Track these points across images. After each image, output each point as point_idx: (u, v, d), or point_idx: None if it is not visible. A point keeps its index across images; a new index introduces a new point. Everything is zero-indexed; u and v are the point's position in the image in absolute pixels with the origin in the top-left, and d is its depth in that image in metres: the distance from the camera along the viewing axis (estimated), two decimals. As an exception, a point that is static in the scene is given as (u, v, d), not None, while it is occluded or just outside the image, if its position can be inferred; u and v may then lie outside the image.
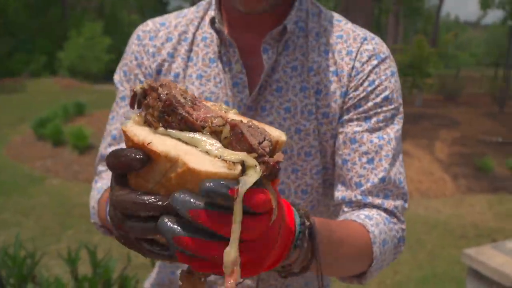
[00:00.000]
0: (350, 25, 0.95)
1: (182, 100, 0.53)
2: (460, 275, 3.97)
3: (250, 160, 0.48)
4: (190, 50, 0.96)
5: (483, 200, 6.10)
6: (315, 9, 0.97)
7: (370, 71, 0.89)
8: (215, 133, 0.52)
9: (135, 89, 0.56)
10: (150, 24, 1.01)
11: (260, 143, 0.51)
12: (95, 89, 16.96)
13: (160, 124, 0.53)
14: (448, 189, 6.76)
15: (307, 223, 0.63)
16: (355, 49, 0.91)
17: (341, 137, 0.91)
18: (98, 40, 21.41)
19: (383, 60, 0.91)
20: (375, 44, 0.92)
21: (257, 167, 0.48)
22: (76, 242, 4.26)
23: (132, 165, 0.48)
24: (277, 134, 0.55)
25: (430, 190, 6.69)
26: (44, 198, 5.76)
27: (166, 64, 0.97)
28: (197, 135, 0.51)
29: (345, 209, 0.91)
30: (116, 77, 1.03)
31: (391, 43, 17.18)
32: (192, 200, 0.45)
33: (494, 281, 2.56)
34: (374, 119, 0.89)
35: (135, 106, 0.56)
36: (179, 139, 0.51)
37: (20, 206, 5.41)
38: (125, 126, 0.54)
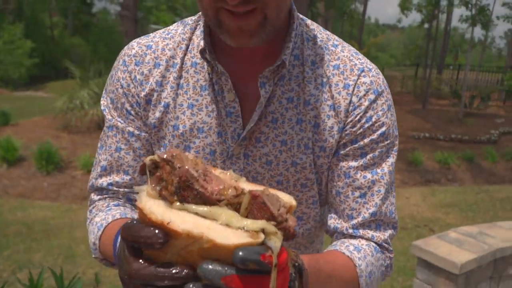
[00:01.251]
0: (347, 51, 0.91)
1: (196, 174, 0.54)
2: (406, 265, 4.23)
3: (270, 227, 0.52)
4: (179, 77, 0.92)
5: (417, 192, 6.53)
6: (310, 34, 0.92)
7: (368, 107, 0.87)
8: (231, 204, 0.54)
9: (144, 161, 0.57)
10: (135, 47, 0.95)
11: (278, 210, 0.54)
12: (17, 96, 15.88)
13: (175, 198, 0.54)
14: (385, 184, 7.18)
15: (297, 264, 0.65)
16: (352, 82, 0.88)
17: (336, 169, 0.91)
18: (19, 44, 20.05)
19: (380, 94, 0.88)
20: (372, 77, 0.89)
21: (278, 233, 0.52)
22: (14, 264, 3.98)
23: (152, 246, 0.51)
24: (287, 199, 0.58)
25: (368, 185, 7.04)
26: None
27: (155, 94, 0.92)
28: (214, 208, 0.53)
29: (337, 236, 0.94)
30: (103, 102, 0.98)
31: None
32: (222, 268, 0.49)
33: (442, 269, 2.77)
34: (370, 155, 0.89)
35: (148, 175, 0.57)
36: (197, 213, 0.53)
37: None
38: (140, 202, 0.55)
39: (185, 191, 0.54)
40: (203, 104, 0.90)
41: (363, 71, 0.89)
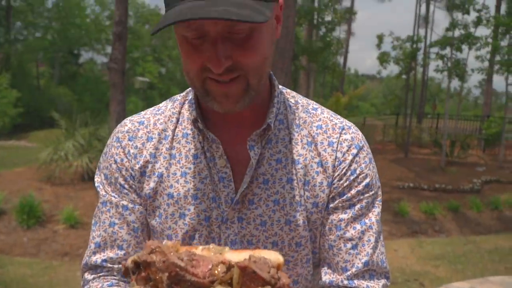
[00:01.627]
0: (326, 113, 1.00)
1: (183, 264, 0.54)
2: (397, 321, 4.14)
3: None
4: (171, 148, 0.97)
5: (405, 244, 6.51)
6: (291, 100, 1.01)
7: (352, 161, 0.94)
8: (224, 281, 0.54)
9: (126, 265, 0.57)
10: (128, 124, 1.01)
11: (268, 273, 0.55)
12: (0, 145, 15.65)
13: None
14: (372, 235, 7.14)
15: None
16: (335, 140, 0.96)
17: (326, 223, 0.96)
18: (5, 93, 20.04)
19: (361, 149, 0.96)
20: (352, 134, 0.97)
21: None
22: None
23: None
24: (274, 257, 0.59)
25: (356, 237, 7.00)
26: None
27: (149, 166, 0.96)
28: None
29: None
30: (97, 179, 1.02)
31: (304, 95, 18.24)
32: None
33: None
34: (357, 206, 0.94)
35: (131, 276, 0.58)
36: None
37: None
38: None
39: (177, 285, 0.54)
40: (196, 171, 0.94)
41: (343, 129, 0.97)
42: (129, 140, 0.98)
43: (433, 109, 22.58)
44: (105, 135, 9.01)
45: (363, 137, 1.01)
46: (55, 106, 19.83)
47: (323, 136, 0.96)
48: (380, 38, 14.79)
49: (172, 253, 0.56)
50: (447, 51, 12.30)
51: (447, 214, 7.98)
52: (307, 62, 14.94)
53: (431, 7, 19.45)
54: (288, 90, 1.04)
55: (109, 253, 0.97)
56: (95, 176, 1.03)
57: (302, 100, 1.02)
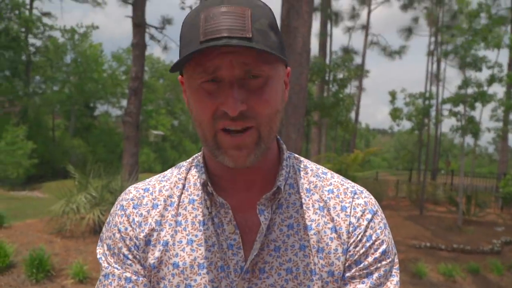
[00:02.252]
0: (336, 177, 0.98)
1: None
2: None
3: None
4: (177, 214, 0.93)
5: (425, 308, 6.22)
6: (300, 165, 0.99)
7: (367, 226, 0.91)
8: None
9: None
10: (133, 192, 0.97)
11: None
12: (12, 196, 15.73)
13: None
14: (389, 297, 6.85)
15: None
16: (348, 204, 0.92)
17: None
18: (20, 145, 20.46)
19: (375, 214, 0.93)
20: (365, 198, 0.94)
21: None
22: None
23: None
24: None
25: (372, 299, 6.72)
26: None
27: (155, 234, 0.92)
28: None
29: None
30: (99, 250, 0.97)
31: (316, 149, 18.34)
32: None
33: None
34: (375, 275, 0.89)
35: None
36: None
37: None
38: None
39: None
40: (203, 238, 0.90)
41: (355, 193, 0.95)
42: (133, 208, 0.95)
43: (447, 165, 22.40)
44: (117, 188, 9.02)
45: (376, 201, 0.98)
46: (69, 157, 20.16)
47: (335, 200, 0.93)
48: (393, 94, 15.01)
49: None
50: (460, 108, 12.38)
51: (467, 277, 7.67)
52: (319, 117, 15.12)
53: (442, 64, 19.87)
54: (297, 155, 1.03)
55: None
56: (97, 247, 0.97)
57: (311, 165, 1.01)
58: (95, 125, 34.65)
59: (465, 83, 12.10)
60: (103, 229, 0.99)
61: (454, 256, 8.67)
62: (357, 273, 0.89)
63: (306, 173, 0.97)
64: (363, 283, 0.88)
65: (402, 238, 9.80)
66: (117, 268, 0.92)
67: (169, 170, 1.03)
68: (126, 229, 0.93)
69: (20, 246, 7.25)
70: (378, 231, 0.91)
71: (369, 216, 0.92)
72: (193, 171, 0.97)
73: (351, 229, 0.91)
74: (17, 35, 27.98)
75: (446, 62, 19.59)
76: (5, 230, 8.52)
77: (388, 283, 0.90)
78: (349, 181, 0.98)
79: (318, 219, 0.91)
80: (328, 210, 0.92)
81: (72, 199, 8.65)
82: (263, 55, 0.79)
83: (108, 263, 0.93)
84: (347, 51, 20.99)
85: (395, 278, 0.92)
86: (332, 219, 0.91)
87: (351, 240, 0.90)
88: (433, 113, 16.09)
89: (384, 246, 0.91)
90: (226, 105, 0.79)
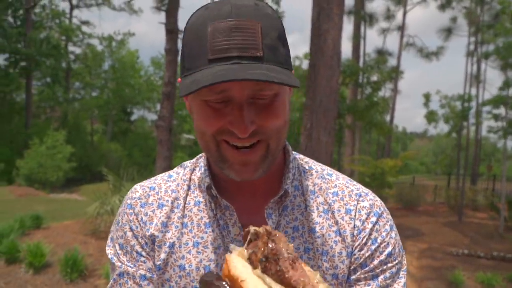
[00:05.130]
0: (341, 179, 0.96)
1: (286, 255, 0.60)
2: None
3: None
4: (183, 216, 0.93)
5: (461, 318, 5.97)
6: (305, 166, 0.98)
7: (372, 229, 0.89)
8: None
9: (249, 228, 0.63)
10: (139, 190, 0.97)
11: None
12: (51, 198, 16.33)
13: (260, 266, 0.60)
14: (424, 305, 6.62)
15: None
16: (353, 207, 0.91)
17: None
18: (60, 149, 21.24)
19: (380, 216, 0.91)
20: (370, 201, 0.92)
21: None
22: None
23: None
24: None
25: (406, 307, 6.51)
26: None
27: (160, 235, 0.92)
28: (273, 284, 0.57)
29: None
30: (110, 251, 0.96)
31: (349, 153, 18.05)
32: None
33: None
34: (381, 277, 0.88)
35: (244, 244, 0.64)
36: (270, 287, 0.58)
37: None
38: (229, 255, 0.62)
39: (269, 263, 0.59)
40: (208, 241, 0.90)
41: (360, 196, 0.93)
42: (141, 206, 0.95)
43: (488, 170, 21.54)
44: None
45: (382, 203, 0.95)
46: (106, 161, 20.74)
47: (340, 203, 0.92)
48: (427, 96, 14.60)
49: (287, 245, 0.61)
50: (501, 110, 11.88)
51: (507, 286, 7.30)
52: (352, 120, 14.88)
53: (483, 65, 19.14)
54: (302, 156, 1.01)
55: None
56: (107, 248, 0.96)
57: (316, 166, 0.99)
58: (132, 129, 35.54)
59: (507, 84, 11.62)
60: (112, 228, 0.98)
61: (494, 265, 8.29)
62: (362, 276, 0.88)
63: (311, 174, 0.96)
64: (368, 285, 0.88)
65: (439, 245, 9.47)
66: (130, 267, 0.91)
67: (175, 170, 1.02)
68: (137, 227, 0.93)
69: (56, 247, 7.49)
70: (384, 234, 0.90)
71: (374, 218, 0.90)
72: (198, 172, 0.97)
73: (355, 232, 0.89)
74: (57, 43, 29.16)
75: (486, 63, 18.87)
76: (43, 231, 8.82)
77: (395, 285, 0.88)
78: (354, 182, 0.97)
79: (323, 222, 0.90)
80: (333, 213, 0.91)
81: (107, 201, 8.87)
82: (277, 74, 0.74)
83: (121, 262, 0.92)
84: (381, 53, 20.58)
85: (402, 280, 0.90)
86: (337, 222, 0.90)
87: (356, 244, 0.89)
88: (472, 115, 15.49)
89: (389, 249, 0.89)
90: (235, 127, 0.77)
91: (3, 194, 16.73)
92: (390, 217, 0.94)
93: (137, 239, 0.92)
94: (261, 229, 0.63)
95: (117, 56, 34.45)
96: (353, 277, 0.89)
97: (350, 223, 0.90)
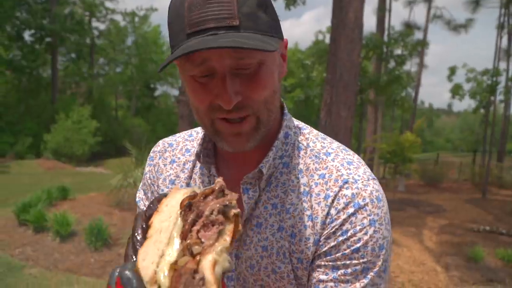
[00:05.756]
0: (338, 161, 0.89)
1: (207, 213, 0.59)
2: None
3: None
4: (189, 177, 0.98)
5: (479, 293, 5.96)
6: (303, 143, 0.94)
7: (345, 220, 0.82)
8: (188, 250, 0.57)
9: (218, 180, 0.64)
10: (160, 145, 1.07)
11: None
12: (78, 172, 16.82)
13: (181, 213, 0.61)
14: (441, 280, 6.62)
15: None
16: (332, 194, 0.85)
17: (309, 280, 0.87)
18: (85, 124, 21.70)
19: (361, 208, 0.82)
20: (356, 189, 0.84)
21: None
22: None
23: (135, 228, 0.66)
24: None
25: (423, 281, 6.53)
26: (21, 290, 5.41)
27: (165, 190, 1.00)
28: (176, 242, 0.58)
29: None
30: (138, 195, 1.08)
31: (371, 130, 17.82)
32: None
33: None
34: (341, 271, 0.82)
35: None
36: (172, 232, 0.60)
37: (-5, 300, 5.06)
38: (175, 188, 0.66)
39: (190, 212, 0.60)
40: None
41: (346, 182, 0.85)
42: (159, 159, 1.04)
43: (516, 147, 20.97)
44: (171, 164, 9.35)
45: (373, 194, 0.85)
46: (130, 136, 21.09)
47: (322, 187, 0.86)
48: (453, 70, 14.19)
49: (219, 206, 0.60)
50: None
51: (529, 263, 7.22)
52: (375, 96, 14.65)
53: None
54: (307, 131, 0.97)
55: None
56: (137, 193, 1.08)
57: (317, 143, 0.93)
58: (155, 105, 35.90)
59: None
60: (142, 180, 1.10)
61: (516, 241, 8.18)
62: (323, 263, 0.84)
63: (306, 152, 0.92)
64: (326, 274, 0.84)
65: (460, 221, 9.39)
66: None
67: (198, 129, 1.06)
68: (153, 177, 1.04)
69: (81, 217, 7.77)
70: (358, 228, 0.82)
71: (351, 210, 0.83)
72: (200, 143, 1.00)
73: (328, 220, 0.84)
74: (81, 19, 29.40)
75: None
76: (70, 202, 9.15)
77: (357, 284, 0.82)
78: (352, 166, 0.88)
79: (298, 204, 0.87)
80: (311, 196, 0.87)
81: (130, 174, 9.09)
82: (253, 41, 0.73)
83: (144, 206, 1.05)
84: (408, 26, 19.99)
85: (366, 281, 0.82)
86: (311, 207, 0.86)
87: (325, 232, 0.84)
88: (500, 90, 15.01)
89: (358, 245, 0.81)
90: (220, 99, 0.78)
91: (32, 167, 17.32)
92: (377, 210, 0.84)
93: (155, 187, 1.03)
94: (218, 184, 0.63)
95: (140, 32, 34.54)
96: (316, 263, 0.85)
97: (324, 210, 0.84)
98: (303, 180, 0.89)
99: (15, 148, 21.10)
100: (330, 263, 0.83)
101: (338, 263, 0.83)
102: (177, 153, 1.02)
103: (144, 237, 0.63)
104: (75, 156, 20.75)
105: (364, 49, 11.75)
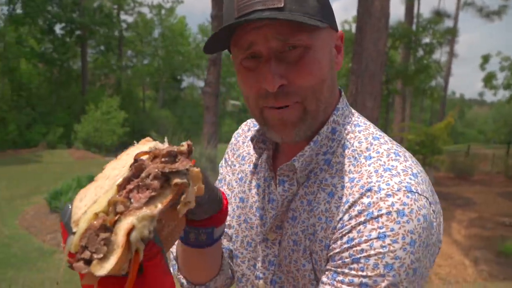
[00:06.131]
0: (374, 167, 0.81)
1: (144, 174, 0.57)
2: None
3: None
4: (257, 158, 1.02)
5: (508, 288, 5.81)
6: (350, 141, 0.88)
7: (353, 227, 0.77)
8: (113, 206, 0.55)
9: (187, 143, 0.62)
10: (247, 124, 1.14)
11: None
12: (107, 161, 16.90)
13: (130, 166, 0.59)
14: (469, 274, 6.48)
15: None
16: (352, 200, 0.80)
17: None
18: (114, 114, 22.14)
19: (373, 218, 0.75)
20: (375, 199, 0.76)
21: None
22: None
23: None
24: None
25: (450, 275, 6.41)
26: (52, 273, 5.61)
27: (237, 165, 1.08)
28: (109, 193, 0.57)
29: None
30: (222, 162, 1.16)
31: (398, 120, 17.49)
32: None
33: None
34: (339, 277, 0.77)
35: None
36: (115, 183, 0.58)
37: (29, 281, 5.26)
38: (148, 140, 0.67)
39: (134, 167, 0.58)
40: (254, 184, 1.00)
41: (369, 190, 0.78)
42: (238, 136, 1.13)
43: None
44: (196, 155, 9.44)
45: (395, 207, 0.75)
46: (156, 127, 21.40)
47: (346, 191, 0.82)
48: (486, 58, 13.72)
49: (154, 166, 0.57)
50: None
51: None
52: (402, 86, 14.34)
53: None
54: (361, 128, 0.90)
55: None
56: (222, 161, 1.17)
57: (363, 143, 0.86)
58: (181, 97, 36.25)
59: None
60: None
61: (550, 236, 7.91)
62: (328, 267, 0.81)
63: (348, 151, 0.86)
64: (327, 277, 0.80)
65: (491, 215, 9.14)
66: (228, 175, 1.11)
67: None
68: (232, 149, 1.13)
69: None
70: (363, 238, 0.75)
71: (362, 218, 0.76)
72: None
73: (338, 225, 0.80)
74: (110, 12, 29.90)
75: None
76: (99, 191, 9.37)
77: None
78: (388, 174, 0.79)
79: (321, 204, 0.85)
80: (333, 198, 0.84)
81: (155, 164, 9.24)
82: (299, 24, 0.74)
83: (223, 170, 1.14)
84: (438, 14, 19.42)
85: None
86: (329, 210, 0.83)
87: (334, 237, 0.81)
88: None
89: (359, 255, 0.75)
90: (264, 81, 0.78)
91: (63, 156, 17.83)
92: (393, 226, 0.74)
93: (231, 157, 1.11)
94: (185, 147, 0.61)
95: (167, 24, 34.84)
96: (326, 266, 0.82)
97: (339, 215, 0.81)
98: (334, 181, 0.85)
99: (47, 138, 21.76)
100: (333, 268, 0.80)
101: (338, 270, 0.78)
102: (247, 135, 1.10)
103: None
104: (104, 146, 21.24)
105: (391, 38, 11.50)
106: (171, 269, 1.05)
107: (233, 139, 1.15)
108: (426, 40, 13.30)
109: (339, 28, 0.90)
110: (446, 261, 6.79)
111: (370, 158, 0.83)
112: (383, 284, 0.73)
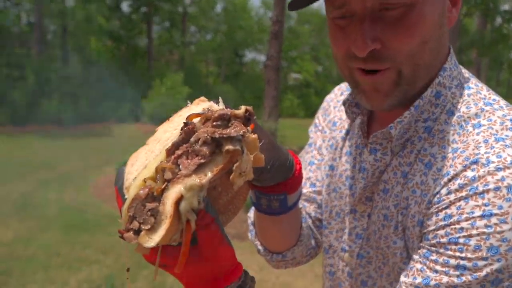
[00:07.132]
0: (487, 135, 0.71)
1: (192, 140, 0.52)
2: None
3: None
4: (350, 124, 0.98)
5: None
6: (457, 106, 0.78)
7: (452, 203, 0.69)
8: (160, 173, 0.51)
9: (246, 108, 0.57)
10: (340, 87, 1.08)
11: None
12: (173, 135, 17.83)
13: (181, 129, 0.55)
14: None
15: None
16: (453, 172, 0.71)
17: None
18: (179, 90, 22.82)
19: (477, 194, 0.66)
20: (482, 172, 0.67)
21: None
22: (151, 282, 4.33)
23: None
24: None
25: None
26: (122, 239, 5.99)
27: (327, 131, 1.04)
28: (159, 158, 0.53)
29: None
30: (311, 128, 1.12)
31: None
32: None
33: None
34: (433, 257, 0.70)
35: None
36: (164, 145, 0.56)
37: (101, 244, 5.65)
38: (204, 100, 0.64)
39: (186, 132, 0.54)
40: (345, 152, 0.96)
41: (475, 162, 0.68)
42: (330, 101, 1.09)
43: None
44: (257, 128, 9.53)
45: (505, 182, 0.65)
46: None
47: (446, 163, 0.73)
48: None
49: (204, 131, 0.53)
50: None
51: None
52: (476, 56, 13.40)
53: None
54: (471, 91, 0.79)
55: (303, 189, 1.03)
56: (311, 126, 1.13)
57: (472, 108, 0.76)
58: (243, 71, 36.46)
59: None
60: None
61: None
62: (421, 245, 0.75)
63: (454, 117, 0.77)
64: (418, 255, 0.74)
65: None
66: (319, 140, 1.09)
67: None
68: (324, 115, 1.09)
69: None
70: (464, 216, 0.66)
71: (464, 193, 0.67)
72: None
73: (435, 200, 0.72)
74: (174, -12, 30.35)
75: None
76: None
77: (444, 278, 0.68)
78: (500, 145, 0.69)
79: (416, 176, 0.77)
80: (431, 170, 0.75)
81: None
82: None
83: (312, 135, 1.11)
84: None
85: (457, 282, 0.67)
86: (425, 183, 0.75)
87: (429, 212, 0.73)
88: None
89: (458, 235, 0.67)
90: (354, 44, 0.71)
91: (131, 131, 18.73)
92: (502, 203, 0.64)
93: (322, 123, 1.08)
94: (241, 110, 0.55)
95: (229, -1, 34.90)
96: (419, 244, 0.76)
97: (435, 188, 0.72)
98: (433, 151, 0.76)
99: (117, 113, 22.94)
100: (426, 246, 0.73)
101: (432, 248, 0.71)
102: (340, 99, 1.06)
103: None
104: (169, 120, 22.04)
105: (466, 5, 10.71)
106: (249, 234, 1.05)
107: (324, 103, 1.09)
108: (506, 7, 12.24)
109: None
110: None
111: (480, 126, 0.73)
112: (486, 270, 0.65)
